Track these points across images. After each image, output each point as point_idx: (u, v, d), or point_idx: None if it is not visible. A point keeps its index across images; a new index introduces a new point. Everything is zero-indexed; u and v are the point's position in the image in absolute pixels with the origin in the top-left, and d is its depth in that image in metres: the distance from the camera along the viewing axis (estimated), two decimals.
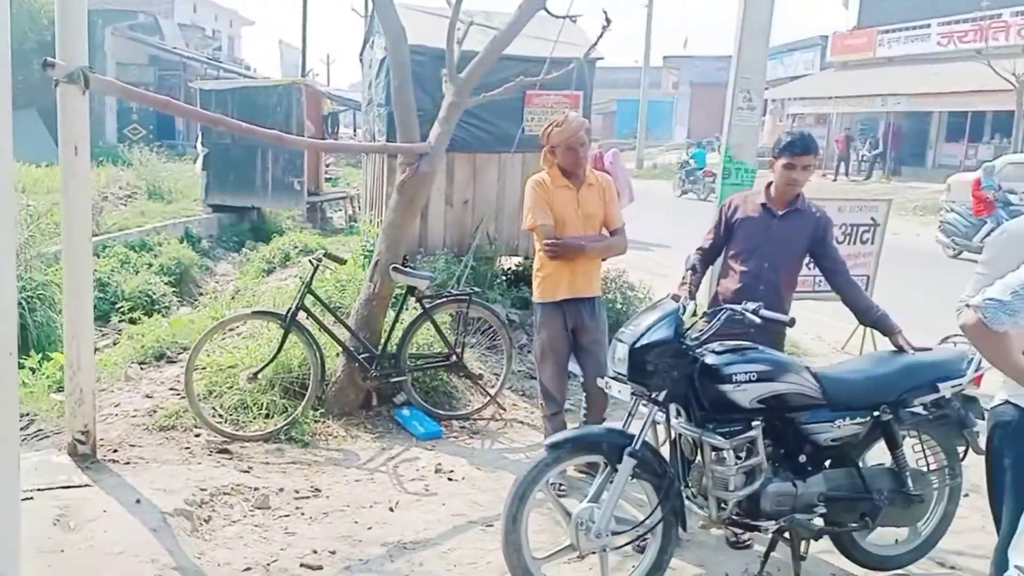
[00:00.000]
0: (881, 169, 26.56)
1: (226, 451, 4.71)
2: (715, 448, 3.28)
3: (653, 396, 3.28)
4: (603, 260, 4.63)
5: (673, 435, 3.46)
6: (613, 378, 3.38)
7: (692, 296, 3.91)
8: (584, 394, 4.66)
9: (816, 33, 33.53)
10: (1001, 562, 2.69)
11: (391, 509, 4.24)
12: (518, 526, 3.21)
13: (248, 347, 5.51)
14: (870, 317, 3.89)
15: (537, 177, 4.47)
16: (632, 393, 3.32)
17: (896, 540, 3.83)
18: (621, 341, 3.31)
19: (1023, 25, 22.82)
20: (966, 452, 3.59)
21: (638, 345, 3.23)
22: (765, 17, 6.14)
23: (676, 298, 3.67)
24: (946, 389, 3.49)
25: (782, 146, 3.93)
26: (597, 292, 4.55)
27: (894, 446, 3.55)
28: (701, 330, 3.43)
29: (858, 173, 26.66)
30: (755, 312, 3.34)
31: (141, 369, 5.88)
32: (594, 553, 3.30)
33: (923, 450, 3.70)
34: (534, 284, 4.58)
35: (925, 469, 3.68)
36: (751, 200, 4.10)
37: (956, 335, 3.74)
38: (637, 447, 3.19)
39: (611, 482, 3.25)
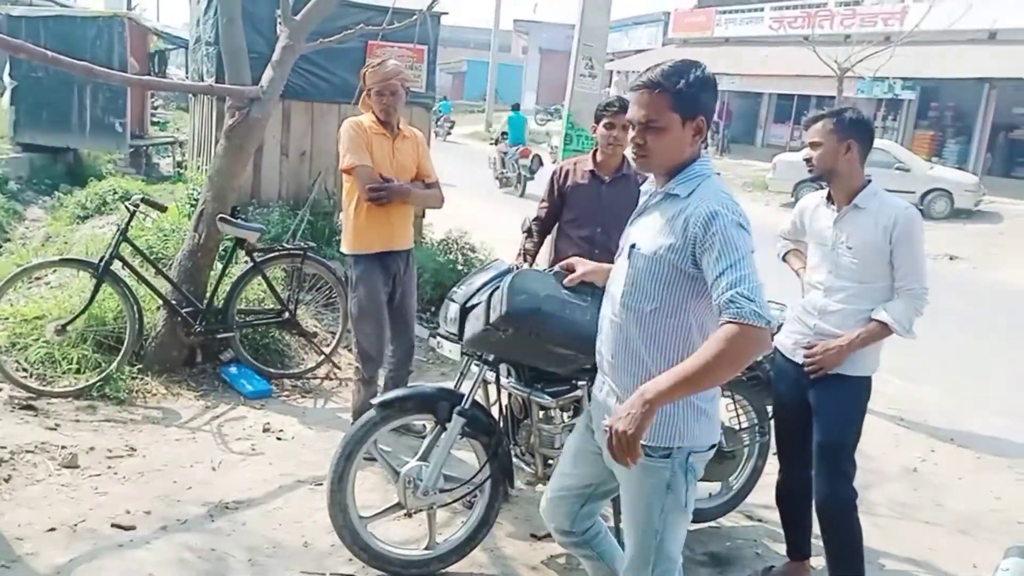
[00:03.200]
0: (715, 146, 27.87)
1: (31, 407, 4.38)
2: (543, 407, 3.34)
3: (483, 356, 3.28)
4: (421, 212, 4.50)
5: (503, 395, 3.49)
6: (445, 337, 3.36)
7: (530, 262, 3.91)
8: (391, 348, 4.47)
9: (659, 10, 34.56)
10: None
11: (213, 469, 4.08)
12: (344, 486, 3.17)
13: (57, 297, 5.13)
14: None
15: (354, 119, 4.22)
16: (463, 353, 3.32)
17: (709, 494, 4.04)
18: (453, 301, 3.28)
19: (846, 15, 24.47)
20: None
21: (469, 305, 3.22)
22: None
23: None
24: None
25: (601, 108, 4.01)
26: (411, 244, 4.40)
27: None
28: None
29: None
30: (555, 274, 3.39)
31: None
32: (422, 511, 3.30)
33: (736, 408, 3.92)
34: (346, 234, 4.26)
35: (737, 427, 3.90)
36: (580, 167, 4.13)
37: (771, 301, 3.95)
38: (467, 406, 3.20)
39: (430, 440, 3.26)
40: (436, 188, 4.38)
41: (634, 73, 30.58)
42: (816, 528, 3.36)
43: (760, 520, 4.10)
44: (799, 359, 3.25)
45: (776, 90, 27.36)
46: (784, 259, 3.63)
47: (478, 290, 3.24)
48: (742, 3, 28.91)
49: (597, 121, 4.03)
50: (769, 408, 3.84)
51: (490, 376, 3.38)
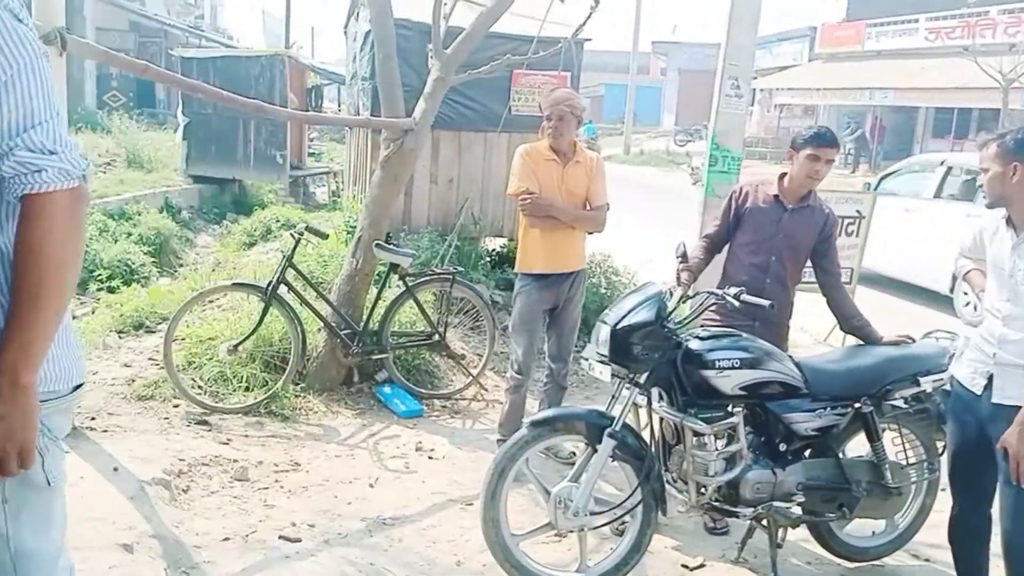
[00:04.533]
0: (868, 162, 26.68)
1: (205, 423, 4.68)
2: (696, 433, 3.29)
3: (634, 378, 3.28)
4: (587, 234, 4.57)
5: (655, 419, 3.47)
6: (598, 361, 3.37)
7: (689, 282, 3.82)
8: (551, 367, 4.60)
9: (805, 24, 33.48)
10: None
11: (371, 485, 4.24)
12: (497, 502, 3.22)
13: (228, 319, 5.47)
14: (852, 324, 3.87)
15: (526, 146, 4.45)
16: (613, 375, 3.32)
17: (873, 532, 3.86)
18: (604, 323, 3.30)
19: (1010, 23, 22.93)
20: (944, 447, 3.61)
21: (619, 327, 3.23)
22: (755, 4, 6.12)
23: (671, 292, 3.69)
24: (927, 383, 3.51)
25: (807, 137, 3.82)
26: (578, 267, 4.50)
27: (874, 438, 3.56)
28: (686, 315, 3.45)
29: (844, 165, 26.77)
30: (736, 297, 3.34)
31: (119, 338, 5.81)
32: (572, 532, 3.31)
33: (902, 443, 3.71)
34: (517, 254, 4.55)
35: (904, 462, 3.70)
36: (763, 190, 3.99)
37: (939, 329, 3.76)
38: (617, 428, 3.21)
39: (582, 461, 3.29)
40: (598, 212, 4.44)
41: (778, 91, 29.58)
42: (993, 573, 3.14)
43: (927, 560, 3.87)
44: (978, 389, 3.05)
45: (934, 103, 25.91)
46: (964, 279, 3.44)
47: (628, 312, 3.26)
48: (895, 14, 27.61)
49: (796, 149, 3.87)
50: (939, 443, 3.63)
51: (640, 400, 3.37)
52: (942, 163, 9.62)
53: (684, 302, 3.71)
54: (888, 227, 8.52)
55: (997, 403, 2.96)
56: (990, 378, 3.00)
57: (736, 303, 3.34)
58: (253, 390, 5.00)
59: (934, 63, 24.24)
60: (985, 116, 22.85)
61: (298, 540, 3.60)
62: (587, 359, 3.42)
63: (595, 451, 3.24)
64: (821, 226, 3.90)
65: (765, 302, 3.36)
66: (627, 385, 3.32)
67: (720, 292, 3.40)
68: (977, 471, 3.09)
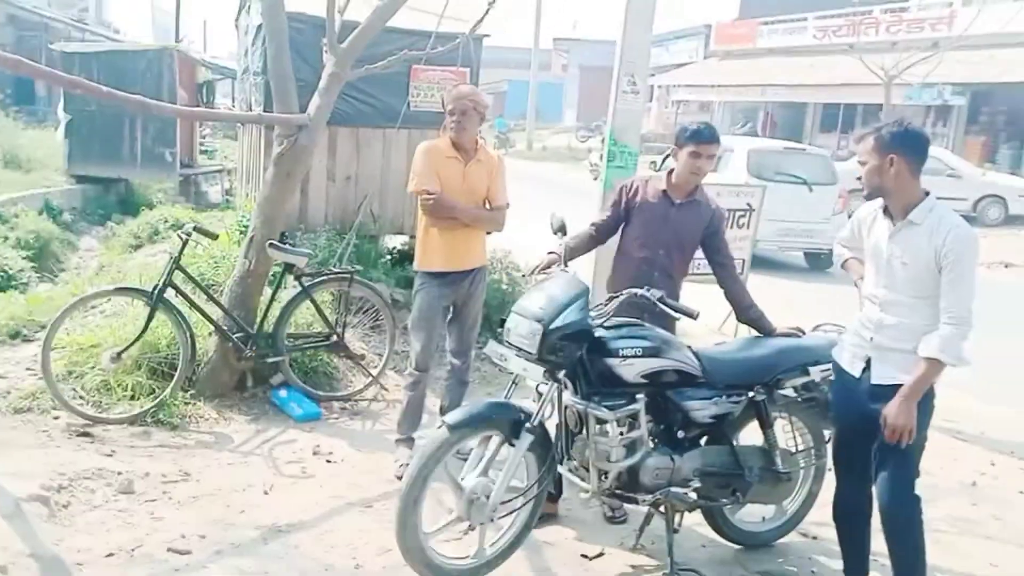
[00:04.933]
0: None
1: (87, 434, 4.47)
2: (599, 420, 3.32)
3: (557, 375, 3.29)
4: (487, 234, 4.56)
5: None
6: (518, 352, 3.32)
7: (565, 263, 3.78)
8: (453, 363, 4.61)
9: (700, 22, 34.40)
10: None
11: (266, 492, 4.12)
12: (418, 508, 3.17)
13: (111, 326, 5.22)
14: (749, 315, 3.98)
15: (427, 143, 4.41)
16: (524, 369, 3.32)
17: (763, 518, 3.99)
18: (531, 319, 3.26)
19: (891, 22, 24.11)
20: (832, 435, 3.74)
21: (553, 327, 3.21)
22: (649, 2, 6.21)
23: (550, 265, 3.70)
24: (816, 373, 3.63)
25: (688, 134, 3.88)
26: (478, 264, 4.49)
27: (766, 426, 3.69)
28: (603, 308, 3.48)
29: None
30: (660, 300, 3.41)
31: None
32: (482, 524, 3.30)
33: (792, 431, 3.86)
34: (416, 252, 4.52)
35: (793, 449, 3.83)
36: (651, 186, 4.05)
37: (827, 323, 3.90)
38: (535, 423, 3.24)
39: (490, 455, 3.29)
40: (499, 212, 4.44)
41: (676, 87, 30.45)
42: (875, 545, 3.28)
43: (815, 537, 4.02)
44: (857, 372, 3.19)
45: (822, 100, 27.05)
46: (844, 267, 3.57)
47: (561, 311, 3.23)
48: (784, 13, 28.66)
49: (679, 145, 3.93)
50: (826, 432, 3.77)
51: (543, 388, 3.38)
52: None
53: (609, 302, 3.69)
54: None
55: (876, 384, 3.11)
56: (868, 361, 3.15)
57: (660, 305, 3.40)
58: (139, 399, 4.79)
59: (822, 60, 25.30)
60: (869, 111, 23.88)
61: (188, 552, 3.47)
62: (502, 354, 3.37)
63: (512, 445, 3.25)
64: (707, 221, 4.00)
65: (692, 309, 3.41)
66: (546, 380, 3.32)
67: (642, 292, 3.43)
68: (859, 451, 3.24)
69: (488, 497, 3.22)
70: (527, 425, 3.23)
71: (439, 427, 3.27)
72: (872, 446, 3.16)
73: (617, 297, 3.48)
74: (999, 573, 3.82)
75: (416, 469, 3.18)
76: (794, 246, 11.49)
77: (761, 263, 9.63)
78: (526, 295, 3.49)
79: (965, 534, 4.19)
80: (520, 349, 3.29)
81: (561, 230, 3.82)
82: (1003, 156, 22.07)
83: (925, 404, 3.05)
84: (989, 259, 12.60)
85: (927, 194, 3.05)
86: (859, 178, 3.14)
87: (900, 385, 3.03)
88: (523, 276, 7.16)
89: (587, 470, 3.42)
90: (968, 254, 2.95)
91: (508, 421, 3.27)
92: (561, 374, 3.29)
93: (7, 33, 23.37)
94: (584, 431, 3.40)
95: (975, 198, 16.72)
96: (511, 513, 3.39)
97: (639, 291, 3.45)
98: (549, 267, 3.78)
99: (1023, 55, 20.03)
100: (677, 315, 3.46)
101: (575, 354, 3.28)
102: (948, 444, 5.37)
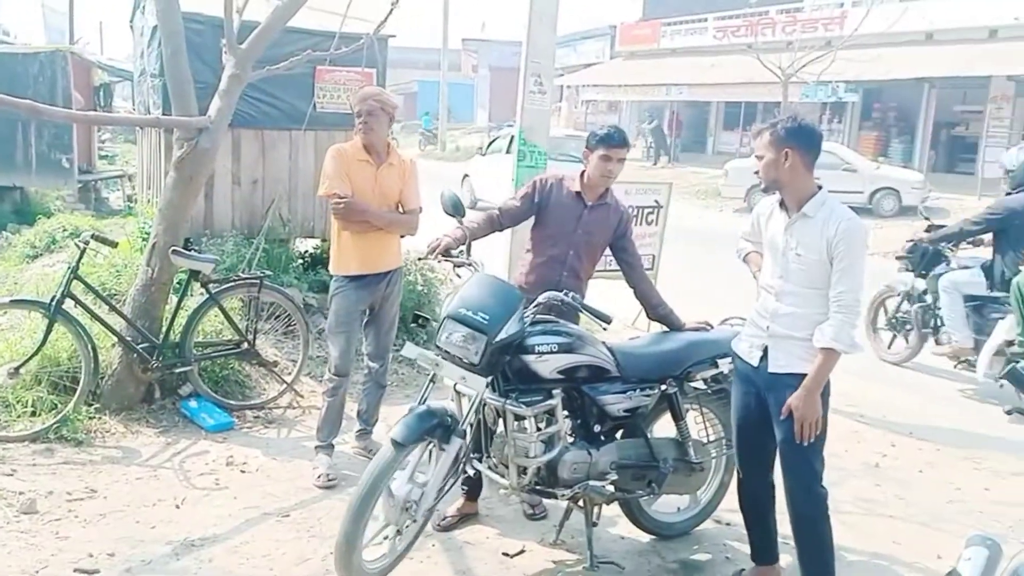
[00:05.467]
0: (667, 154, 28.19)
1: None
2: (517, 416, 3.35)
3: (490, 380, 3.30)
4: (399, 237, 4.55)
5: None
6: (457, 362, 3.30)
7: (468, 250, 3.71)
8: (370, 367, 4.59)
9: (606, 23, 34.93)
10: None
11: (177, 506, 4.01)
12: (364, 529, 3.11)
13: (7, 339, 5.00)
14: (658, 312, 4.05)
15: (338, 146, 4.37)
16: (462, 377, 3.30)
17: (678, 508, 4.09)
18: (473, 328, 3.24)
19: (787, 22, 24.97)
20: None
21: (498, 339, 3.22)
22: (552, 3, 6.30)
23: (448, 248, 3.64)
24: (724, 365, 3.73)
25: (599, 138, 3.92)
26: (394, 266, 4.48)
27: (678, 418, 3.79)
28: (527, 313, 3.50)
29: (646, 158, 28.14)
30: (582, 305, 3.47)
31: None
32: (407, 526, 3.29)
33: (703, 422, 3.95)
34: (331, 256, 4.47)
35: (705, 440, 3.93)
36: (566, 186, 4.06)
37: (734, 317, 4.02)
38: (463, 427, 3.27)
39: (415, 460, 3.28)
40: (412, 215, 4.42)
41: (584, 87, 30.82)
42: (782, 529, 3.40)
43: (728, 524, 4.14)
44: (754, 361, 3.29)
45: (724, 98, 27.82)
46: (745, 260, 3.68)
47: (501, 320, 3.24)
48: (686, 14, 29.37)
49: (590, 149, 3.96)
50: None
51: (462, 388, 3.38)
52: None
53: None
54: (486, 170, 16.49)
55: (772, 372, 3.22)
56: (765, 350, 3.26)
57: (579, 308, 3.47)
58: (40, 414, 4.60)
59: (722, 60, 25.99)
60: (769, 108, 24.66)
61: (96, 572, 3.36)
62: (435, 361, 3.34)
63: (442, 450, 3.24)
64: (616, 224, 4.07)
65: (608, 315, 3.45)
66: (483, 389, 3.28)
67: (562, 296, 3.46)
68: (758, 439, 3.35)
69: (418, 502, 3.20)
70: (457, 430, 3.25)
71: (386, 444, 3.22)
72: (770, 433, 3.26)
73: (537, 301, 3.51)
74: (902, 551, 3.99)
75: (365, 490, 3.10)
76: None
77: None
78: (458, 298, 3.41)
79: (870, 514, 4.37)
80: (455, 356, 3.28)
81: (455, 210, 3.74)
82: (895, 150, 23.13)
83: (823, 396, 3.16)
84: (884, 249, 13.15)
85: (820, 188, 3.19)
86: (756, 172, 3.25)
87: (795, 374, 3.14)
88: (438, 277, 7.16)
89: (506, 467, 3.45)
90: (857, 245, 3.07)
91: (442, 428, 3.25)
92: (492, 378, 3.30)
93: None
94: (503, 428, 3.43)
95: (870, 191, 17.46)
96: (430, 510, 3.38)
97: (559, 294, 3.49)
98: (448, 252, 3.65)
99: (910, 53, 21.09)
100: (597, 320, 3.50)
101: (504, 359, 3.32)
102: (851, 427, 5.61)
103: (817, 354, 3.08)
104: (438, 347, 3.36)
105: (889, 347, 7.39)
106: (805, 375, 3.12)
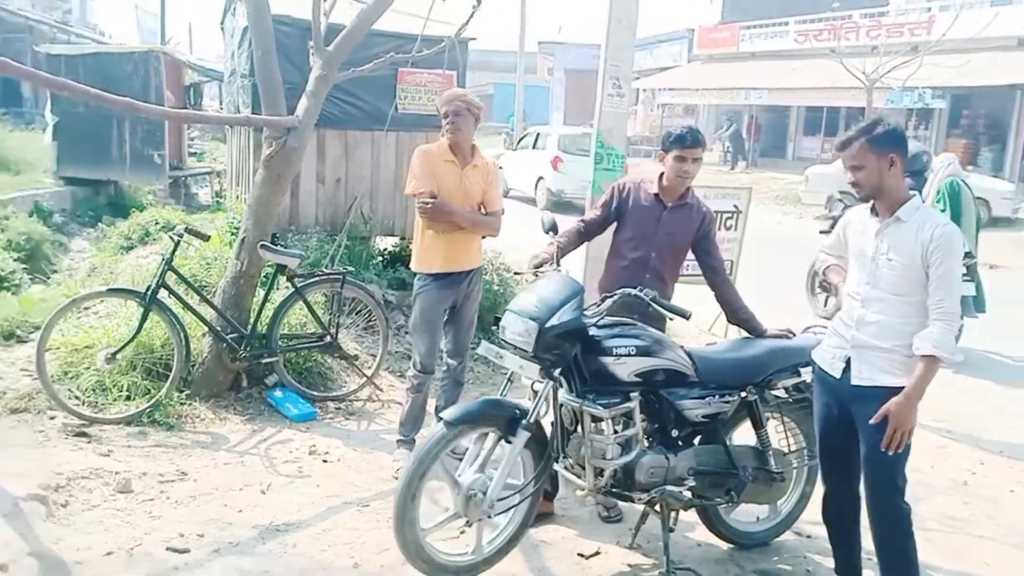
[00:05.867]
0: (745, 159, 27.75)
1: (84, 434, 4.48)
2: (595, 418, 3.36)
3: (553, 373, 3.33)
4: (480, 237, 4.61)
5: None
6: (514, 351, 3.37)
7: (557, 261, 3.81)
8: (449, 364, 4.64)
9: (683, 26, 34.56)
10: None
11: (263, 492, 4.14)
12: (416, 503, 3.21)
13: (105, 327, 5.23)
14: (739, 316, 4.02)
15: (425, 147, 4.46)
16: (520, 367, 3.36)
17: (757, 517, 4.03)
18: (527, 317, 3.29)
19: (871, 26, 24.30)
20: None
21: (549, 325, 3.25)
22: (632, 7, 6.28)
23: (543, 263, 3.73)
24: (807, 374, 3.66)
25: (672, 139, 3.95)
26: (475, 265, 4.54)
27: (758, 426, 3.74)
28: (596, 308, 3.53)
29: (724, 163, 27.75)
30: (653, 300, 3.47)
31: None
32: (480, 520, 3.35)
33: (785, 431, 3.90)
34: (414, 254, 4.55)
35: (786, 450, 3.88)
36: (644, 188, 4.10)
37: (817, 324, 3.96)
38: (531, 420, 3.28)
39: (487, 452, 3.34)
40: (495, 217, 4.49)
41: (661, 91, 30.49)
42: (867, 544, 3.33)
43: (809, 536, 4.07)
44: (837, 373, 3.23)
45: (805, 103, 27.17)
46: (824, 273, 3.62)
47: (557, 309, 3.28)
48: (765, 18, 28.84)
49: (665, 150, 4.00)
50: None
51: (538, 387, 3.42)
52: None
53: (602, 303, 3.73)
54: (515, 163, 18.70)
55: (855, 385, 3.14)
56: (848, 361, 3.18)
57: (653, 305, 3.47)
58: (135, 399, 4.80)
59: (804, 64, 25.44)
60: (852, 114, 24.12)
61: (186, 551, 3.49)
62: (498, 352, 3.42)
63: (508, 443, 3.29)
64: (699, 223, 4.06)
65: (686, 310, 3.45)
66: (541, 378, 3.34)
67: (635, 292, 3.48)
68: (842, 451, 3.28)
69: (485, 493, 3.25)
70: (523, 422, 3.28)
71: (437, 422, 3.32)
72: (855, 445, 3.19)
73: (611, 296, 3.54)
74: (991, 572, 3.87)
75: (414, 464, 3.21)
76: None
77: (571, 208, 14.74)
78: (521, 294, 3.53)
79: (958, 533, 4.24)
80: (516, 347, 3.34)
81: (552, 229, 3.90)
82: (984, 159, 22.26)
83: None
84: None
85: (914, 193, 3.12)
86: (853, 183, 3.14)
87: (878, 387, 3.07)
88: (514, 275, 7.22)
89: (583, 468, 3.46)
90: (954, 252, 3.00)
91: (504, 418, 3.32)
92: (556, 372, 3.33)
93: None
94: (580, 429, 3.44)
95: None
96: (508, 510, 3.43)
97: (632, 291, 3.50)
98: (541, 265, 3.80)
99: (1001, 58, 20.29)
100: (670, 315, 3.51)
101: (570, 352, 3.33)
102: (938, 442, 5.44)
103: (917, 363, 2.99)
104: (502, 340, 3.43)
105: (824, 306, 7.53)
106: (888, 388, 3.05)
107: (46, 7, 28.87)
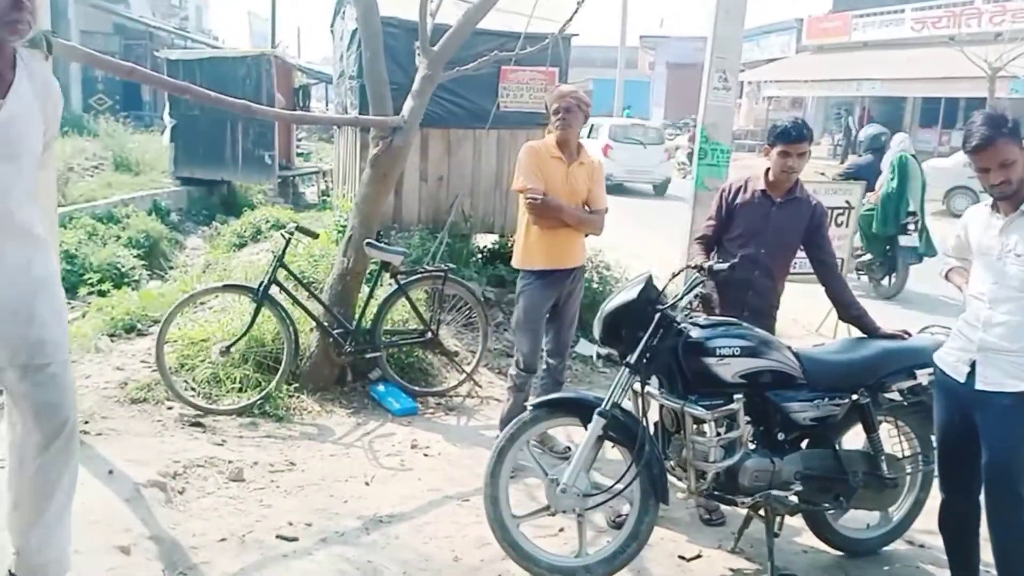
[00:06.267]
0: (855, 153, 26.74)
1: (199, 424, 4.67)
2: (696, 420, 3.32)
3: (627, 360, 3.32)
4: (584, 235, 4.59)
5: (654, 406, 3.51)
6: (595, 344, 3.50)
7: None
8: (549, 362, 4.63)
9: (792, 16, 33.56)
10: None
11: (367, 483, 4.24)
12: (497, 480, 3.30)
13: (220, 321, 5.45)
14: (851, 314, 3.90)
15: (533, 143, 4.48)
16: (606, 355, 3.48)
17: (868, 524, 3.89)
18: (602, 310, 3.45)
19: (995, 12, 23.03)
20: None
21: (608, 309, 3.39)
22: None
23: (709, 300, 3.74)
24: (923, 376, 3.51)
25: (776, 134, 3.87)
26: (579, 263, 4.53)
27: (870, 430, 3.59)
28: (680, 294, 3.54)
29: (833, 156, 26.85)
30: (710, 269, 3.53)
31: (111, 341, 5.78)
32: (569, 514, 3.35)
33: (898, 436, 3.75)
34: (516, 250, 4.56)
35: (900, 455, 3.72)
36: (751, 185, 4.03)
37: (935, 324, 3.78)
38: (607, 407, 3.25)
39: (587, 449, 3.31)
40: (599, 216, 4.47)
41: (766, 83, 29.75)
42: (987, 556, 3.16)
43: (922, 545, 3.90)
44: (961, 377, 3.07)
45: (921, 93, 26.00)
46: (947, 277, 3.45)
47: (617, 295, 3.51)
48: (880, 5, 27.70)
49: (770, 145, 3.93)
50: (933, 437, 3.65)
51: (637, 387, 3.40)
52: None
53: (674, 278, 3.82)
54: None
55: (980, 390, 2.99)
56: (973, 365, 3.02)
57: (715, 276, 3.53)
58: (246, 391, 4.99)
59: (920, 53, 24.33)
60: (972, 105, 22.92)
61: (295, 539, 3.60)
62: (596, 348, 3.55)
63: (586, 429, 3.30)
64: (809, 218, 3.94)
65: (725, 265, 3.53)
66: (624, 368, 3.35)
67: (695, 265, 3.59)
68: (964, 458, 3.12)
69: (569, 484, 3.25)
70: (598, 409, 3.26)
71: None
72: (977, 453, 3.03)
73: (680, 273, 3.73)
74: None
75: (500, 445, 3.34)
76: (636, 179, 19.40)
77: (620, 189, 18.04)
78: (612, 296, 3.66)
79: None
80: (595, 338, 3.50)
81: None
82: None
83: None
84: None
85: None
86: (1001, 183, 2.89)
87: (1006, 392, 2.91)
88: (611, 275, 7.17)
89: (685, 470, 3.41)
90: None
91: (582, 405, 3.37)
92: (633, 358, 3.31)
93: (114, 42, 24.50)
94: (682, 431, 3.40)
95: None
96: (603, 504, 3.41)
97: (692, 265, 3.63)
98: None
99: None
100: (768, 311, 3.49)
101: (637, 334, 3.31)
102: None
103: None
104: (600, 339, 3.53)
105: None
106: (1016, 394, 2.89)
107: (165, 14, 30.39)
